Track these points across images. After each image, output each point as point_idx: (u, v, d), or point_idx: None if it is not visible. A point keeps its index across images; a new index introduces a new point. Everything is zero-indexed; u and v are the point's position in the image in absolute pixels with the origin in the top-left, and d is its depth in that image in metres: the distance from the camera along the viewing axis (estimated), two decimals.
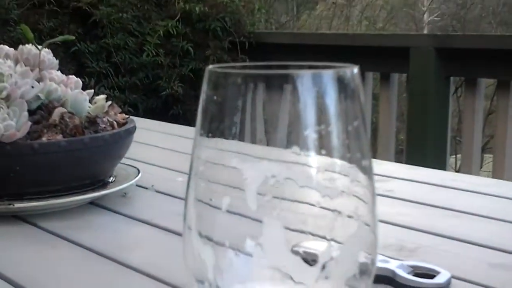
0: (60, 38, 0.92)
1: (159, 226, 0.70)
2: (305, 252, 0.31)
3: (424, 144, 2.56)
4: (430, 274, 0.54)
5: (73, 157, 0.76)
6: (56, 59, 0.92)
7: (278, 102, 0.29)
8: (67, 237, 0.67)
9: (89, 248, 0.64)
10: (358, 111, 0.30)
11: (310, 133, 0.30)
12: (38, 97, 0.82)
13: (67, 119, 0.80)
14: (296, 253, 0.32)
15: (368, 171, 0.32)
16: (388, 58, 2.67)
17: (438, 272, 0.54)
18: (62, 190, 0.76)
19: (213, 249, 0.30)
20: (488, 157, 5.79)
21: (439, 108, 2.55)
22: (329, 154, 0.30)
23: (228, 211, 0.30)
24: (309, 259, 0.31)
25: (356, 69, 0.30)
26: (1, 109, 0.75)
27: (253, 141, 0.30)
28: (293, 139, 0.30)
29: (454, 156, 6.08)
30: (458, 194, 0.83)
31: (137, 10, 3.21)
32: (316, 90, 0.29)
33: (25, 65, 0.87)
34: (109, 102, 0.87)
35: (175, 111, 3.17)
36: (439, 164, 2.57)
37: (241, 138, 0.30)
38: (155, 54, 3.11)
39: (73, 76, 0.90)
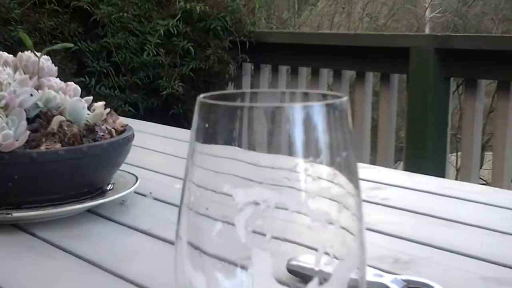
0: (59, 46, 0.92)
1: (157, 236, 0.71)
2: (300, 266, 0.32)
3: (424, 145, 2.56)
4: None
5: (72, 166, 0.77)
6: (57, 58, 0.93)
7: (268, 132, 0.30)
8: (65, 247, 0.68)
9: (86, 258, 0.64)
10: (348, 141, 0.31)
11: (300, 163, 0.30)
12: (36, 105, 0.83)
13: (66, 128, 0.81)
14: (291, 268, 0.33)
15: (357, 194, 0.32)
16: (388, 58, 2.68)
17: (431, 287, 0.54)
18: (60, 199, 0.77)
19: (205, 275, 0.31)
20: (489, 155, 5.79)
21: (439, 109, 2.55)
22: (318, 181, 0.31)
23: (219, 236, 0.31)
24: (305, 274, 0.31)
25: (345, 99, 0.31)
26: None
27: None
28: (283, 167, 0.30)
29: (455, 153, 6.08)
30: (455, 202, 0.83)
31: (138, 9, 3.21)
32: (305, 122, 0.29)
33: (24, 73, 0.87)
34: (108, 110, 0.88)
35: (175, 110, 3.17)
36: (439, 163, 2.58)
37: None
38: (155, 53, 3.11)
39: (72, 83, 0.90)
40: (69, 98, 0.86)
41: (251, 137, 0.30)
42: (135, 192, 0.86)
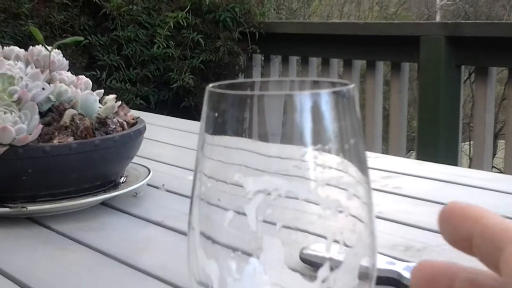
0: (69, 39, 0.93)
1: (170, 227, 0.71)
2: (312, 255, 0.32)
3: (436, 134, 2.55)
4: None
5: (84, 159, 0.77)
6: (67, 52, 0.94)
7: (276, 120, 0.30)
8: (79, 239, 0.68)
9: (100, 250, 0.65)
10: (356, 128, 0.31)
11: (309, 150, 0.30)
12: (48, 99, 0.83)
13: (78, 121, 0.81)
14: (304, 257, 0.33)
15: (366, 182, 0.32)
16: (399, 47, 2.66)
17: None
18: (74, 192, 0.77)
19: (218, 264, 0.31)
20: (502, 143, 5.76)
21: (451, 97, 2.54)
22: (327, 169, 0.31)
23: (230, 226, 0.31)
24: (318, 263, 0.31)
25: (353, 86, 0.31)
26: (12, 112, 0.77)
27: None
28: (292, 155, 0.31)
29: (468, 142, 6.05)
30: (467, 190, 0.83)
31: (147, 2, 3.21)
32: (313, 109, 0.30)
33: (36, 67, 0.88)
34: (119, 103, 0.88)
35: (186, 103, 3.18)
36: (451, 152, 2.57)
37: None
38: (165, 46, 3.11)
39: (83, 77, 0.91)
40: (81, 92, 0.86)
41: (260, 126, 0.30)
42: (148, 185, 0.86)
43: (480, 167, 2.48)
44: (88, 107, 0.85)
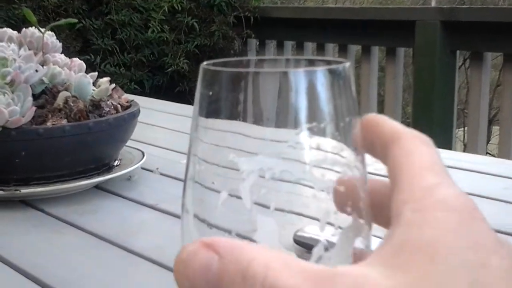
0: (62, 21, 0.92)
1: (164, 210, 0.71)
2: (306, 237, 0.32)
3: (431, 119, 2.55)
4: None
5: (78, 142, 0.77)
6: (61, 36, 0.93)
7: (271, 98, 0.30)
8: (73, 222, 0.68)
9: (94, 233, 0.65)
10: (351, 106, 0.31)
11: (304, 130, 0.30)
12: (42, 81, 0.83)
13: (71, 104, 0.81)
14: (298, 239, 0.33)
15: (361, 162, 0.32)
16: (394, 32, 2.66)
17: None
18: (68, 175, 0.77)
19: None
20: (497, 129, 5.77)
21: (446, 82, 2.54)
22: (323, 148, 0.31)
23: (224, 206, 0.31)
24: (311, 245, 0.31)
25: (348, 64, 0.31)
26: (5, 94, 0.76)
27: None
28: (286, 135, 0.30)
29: (462, 128, 6.06)
30: (461, 174, 0.83)
31: None
32: (309, 87, 0.29)
33: (29, 49, 0.87)
34: (113, 85, 0.88)
35: (181, 87, 3.16)
36: (446, 138, 2.57)
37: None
38: (160, 30, 3.09)
39: (77, 59, 0.90)
40: (74, 74, 0.86)
41: (255, 103, 0.30)
42: (142, 168, 0.86)
43: (474, 152, 2.48)
44: (81, 89, 0.84)
